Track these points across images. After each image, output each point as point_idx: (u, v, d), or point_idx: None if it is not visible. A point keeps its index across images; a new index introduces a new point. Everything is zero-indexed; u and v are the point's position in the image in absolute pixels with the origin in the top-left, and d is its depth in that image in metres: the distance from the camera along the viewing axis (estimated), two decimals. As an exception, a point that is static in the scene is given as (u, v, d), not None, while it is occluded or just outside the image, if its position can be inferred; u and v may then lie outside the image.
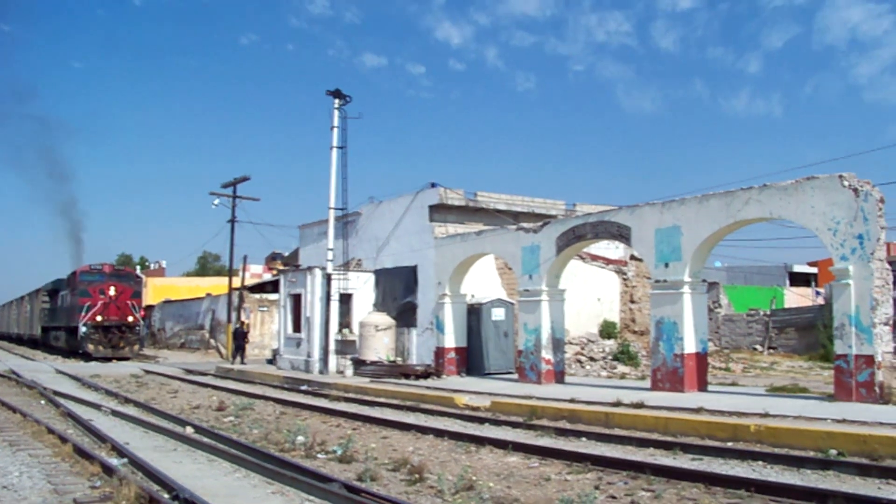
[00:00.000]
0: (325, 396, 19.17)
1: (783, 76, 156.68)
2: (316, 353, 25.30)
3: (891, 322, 13.56)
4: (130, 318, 38.11)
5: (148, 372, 28.20)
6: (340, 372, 24.37)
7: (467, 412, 15.44)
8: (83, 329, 36.43)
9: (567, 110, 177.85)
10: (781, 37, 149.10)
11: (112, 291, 37.69)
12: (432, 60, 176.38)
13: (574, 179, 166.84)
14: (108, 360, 35.56)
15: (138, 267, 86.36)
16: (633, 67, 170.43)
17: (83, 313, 36.53)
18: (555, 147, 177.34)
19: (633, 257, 27.46)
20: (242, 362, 30.39)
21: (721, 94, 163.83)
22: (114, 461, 9.43)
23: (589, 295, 26.58)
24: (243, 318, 39.54)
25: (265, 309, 41.93)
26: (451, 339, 22.70)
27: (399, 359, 24.21)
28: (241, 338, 31.60)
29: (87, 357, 36.09)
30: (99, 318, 36.79)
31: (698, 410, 12.97)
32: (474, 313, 22.95)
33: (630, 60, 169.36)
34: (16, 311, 60.35)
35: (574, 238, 18.88)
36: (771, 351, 32.26)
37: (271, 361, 30.10)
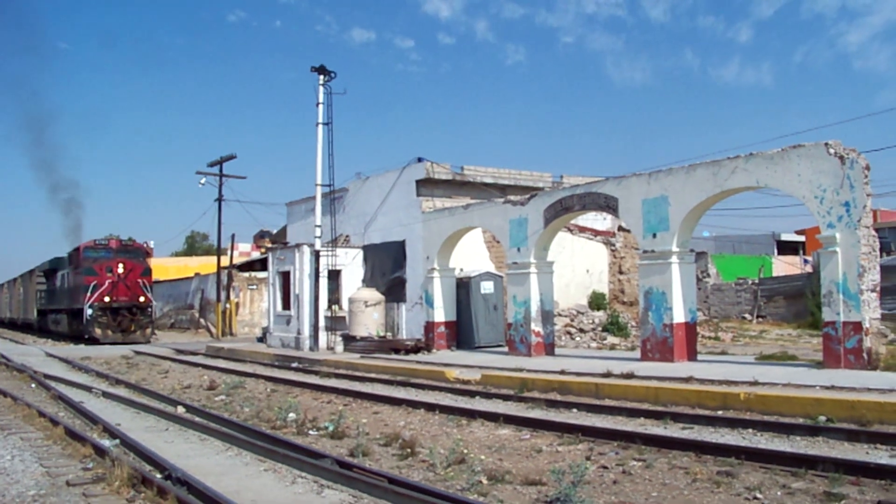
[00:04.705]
0: (316, 373, 19.19)
1: (773, 45, 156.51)
2: (306, 330, 25.31)
3: (878, 289, 13.64)
4: (142, 299, 34.63)
5: (138, 353, 28.11)
6: (331, 348, 24.40)
7: (458, 386, 15.49)
8: (89, 311, 33.08)
9: (557, 83, 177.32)
10: (771, 5, 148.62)
11: (121, 269, 34.16)
12: (421, 34, 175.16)
13: (564, 151, 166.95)
14: (116, 344, 32.08)
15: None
16: (622, 38, 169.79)
17: (88, 294, 33.14)
18: (544, 119, 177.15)
19: (620, 228, 27.50)
20: None
21: (711, 63, 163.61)
22: (106, 442, 9.40)
23: (577, 266, 26.65)
24: (233, 297, 39.48)
25: (254, 287, 41.83)
26: (441, 313, 22.73)
27: (389, 334, 24.23)
28: None
29: (94, 342, 32.89)
30: (107, 299, 33.47)
31: (688, 380, 13.06)
32: (463, 287, 22.96)
33: (620, 31, 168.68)
34: (7, 293, 58.48)
35: (561, 210, 18.86)
36: (760, 319, 32.47)
37: (261, 339, 30.13)
